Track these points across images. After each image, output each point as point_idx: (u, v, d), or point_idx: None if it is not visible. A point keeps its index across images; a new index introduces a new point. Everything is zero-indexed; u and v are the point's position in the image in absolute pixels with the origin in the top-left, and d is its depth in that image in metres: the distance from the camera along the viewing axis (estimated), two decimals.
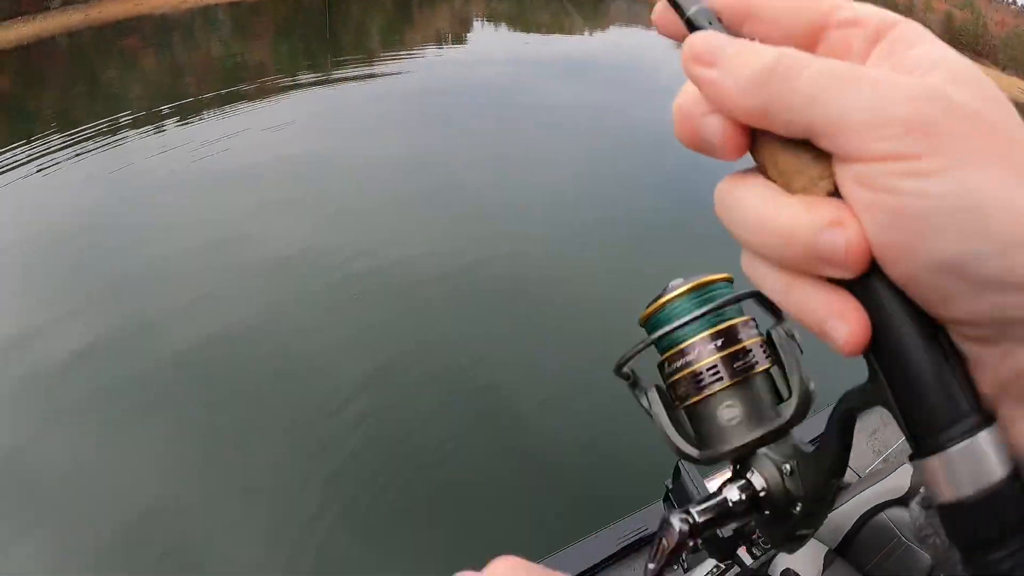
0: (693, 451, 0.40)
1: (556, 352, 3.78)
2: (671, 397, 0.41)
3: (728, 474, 0.41)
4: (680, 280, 0.41)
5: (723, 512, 0.38)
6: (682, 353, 0.39)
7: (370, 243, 5.09)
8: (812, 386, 0.38)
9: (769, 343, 0.39)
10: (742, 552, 1.49)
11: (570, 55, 14.96)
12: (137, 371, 3.60)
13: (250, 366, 3.71)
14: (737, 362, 0.38)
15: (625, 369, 0.43)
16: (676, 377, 0.40)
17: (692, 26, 0.27)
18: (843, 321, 0.23)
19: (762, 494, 0.37)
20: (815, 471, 0.35)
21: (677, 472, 1.35)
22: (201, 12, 19.94)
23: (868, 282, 0.23)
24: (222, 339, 3.90)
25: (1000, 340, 0.22)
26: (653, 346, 0.41)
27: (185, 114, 8.63)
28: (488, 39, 19.85)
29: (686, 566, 1.57)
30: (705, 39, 0.25)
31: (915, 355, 0.23)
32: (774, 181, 0.25)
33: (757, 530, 0.42)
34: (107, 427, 3.27)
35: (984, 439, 0.23)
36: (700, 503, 0.37)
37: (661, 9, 0.28)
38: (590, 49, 18.05)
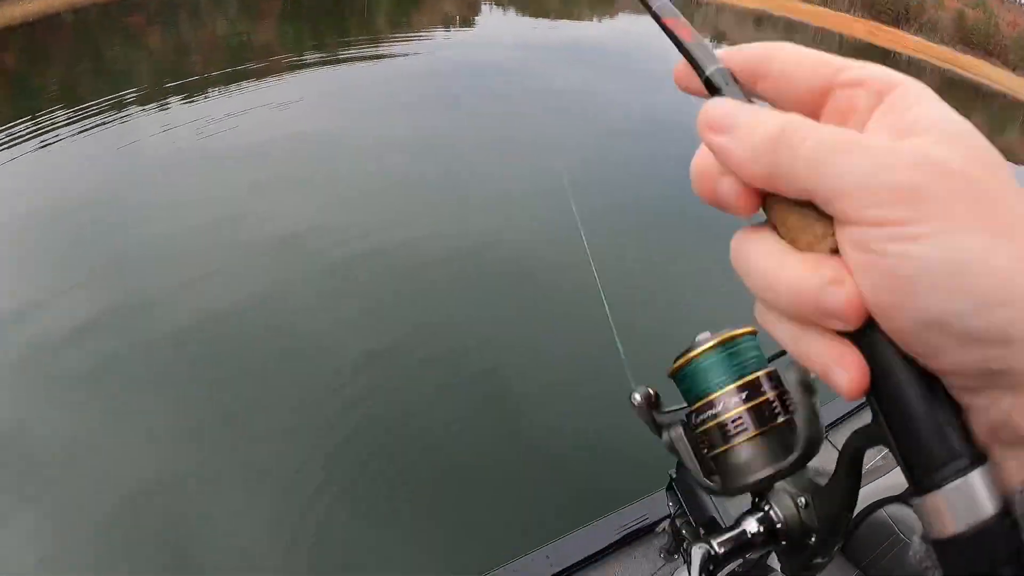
0: (715, 485, 0.42)
1: (561, 338, 3.77)
2: (700, 444, 0.43)
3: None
4: (707, 334, 0.43)
5: (743, 543, 0.40)
6: (711, 405, 0.42)
7: (376, 224, 5.08)
8: (823, 424, 0.40)
9: (787, 389, 0.41)
10: None
11: (579, 41, 14.88)
12: (138, 347, 3.60)
13: (253, 345, 3.71)
14: (761, 413, 0.40)
15: (658, 419, 0.46)
16: (705, 427, 0.42)
17: (710, 85, 0.29)
18: (844, 369, 0.26)
19: (779, 526, 0.40)
20: (828, 504, 0.37)
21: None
22: None
23: (867, 333, 0.25)
24: (225, 317, 3.89)
25: (987, 389, 0.24)
26: (683, 395, 0.44)
27: (191, 92, 8.59)
28: (496, 23, 19.69)
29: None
30: (717, 108, 0.27)
31: (911, 400, 0.25)
32: (782, 236, 0.27)
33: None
34: (108, 402, 3.27)
35: (976, 478, 0.24)
36: (720, 534, 0.40)
37: (681, 67, 0.30)
38: (599, 35, 17.94)
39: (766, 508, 0.41)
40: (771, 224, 0.28)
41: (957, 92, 27.09)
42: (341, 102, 8.38)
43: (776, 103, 0.29)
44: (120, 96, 8.11)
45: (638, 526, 1.93)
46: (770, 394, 0.41)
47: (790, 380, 0.41)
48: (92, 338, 3.66)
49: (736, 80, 0.29)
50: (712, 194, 0.29)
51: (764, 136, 0.26)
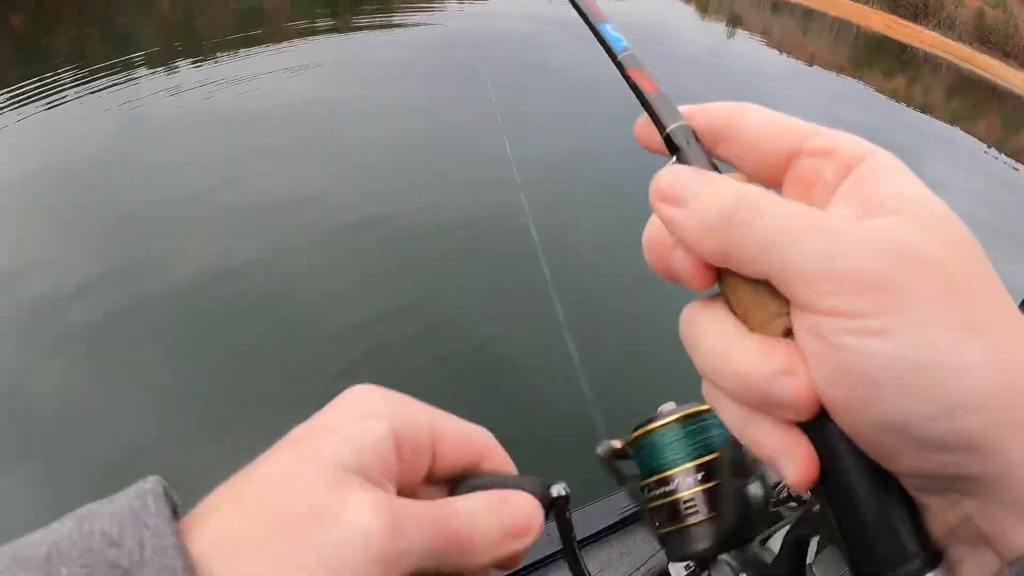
0: (664, 547, 0.42)
1: (566, 320, 3.76)
2: (652, 518, 0.43)
3: None
4: (671, 405, 0.42)
5: None
6: (665, 481, 0.41)
7: (384, 194, 5.08)
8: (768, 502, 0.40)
9: (738, 461, 0.40)
10: None
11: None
12: (140, 307, 3.62)
13: (253, 308, 3.72)
14: (715, 496, 0.39)
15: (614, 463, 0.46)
16: (656, 504, 0.41)
17: (671, 143, 0.28)
18: (792, 460, 0.24)
19: None
20: None
21: None
22: None
23: (820, 425, 0.24)
24: (227, 280, 3.91)
25: (947, 492, 0.23)
26: (638, 465, 0.43)
27: (200, 56, 8.51)
28: None
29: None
30: (670, 178, 0.26)
31: (863, 497, 0.24)
32: (734, 312, 0.26)
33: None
34: (106, 362, 3.29)
35: None
36: None
37: (643, 123, 0.29)
38: (615, 15, 17.65)
39: None
40: (724, 298, 0.26)
41: (973, 90, 26.82)
42: (353, 70, 8.33)
43: (739, 166, 0.28)
44: (129, 58, 8.04)
45: (637, 510, 1.93)
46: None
47: (720, 459, 0.40)
48: (95, 297, 3.67)
49: (698, 139, 0.28)
50: (664, 266, 0.27)
51: (718, 211, 0.24)
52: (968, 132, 15.88)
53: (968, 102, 24.02)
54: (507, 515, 0.27)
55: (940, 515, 0.24)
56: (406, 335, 3.69)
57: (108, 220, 4.42)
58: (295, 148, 5.75)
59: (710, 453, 0.41)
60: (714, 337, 0.26)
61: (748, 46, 19.90)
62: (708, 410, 0.42)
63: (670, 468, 0.41)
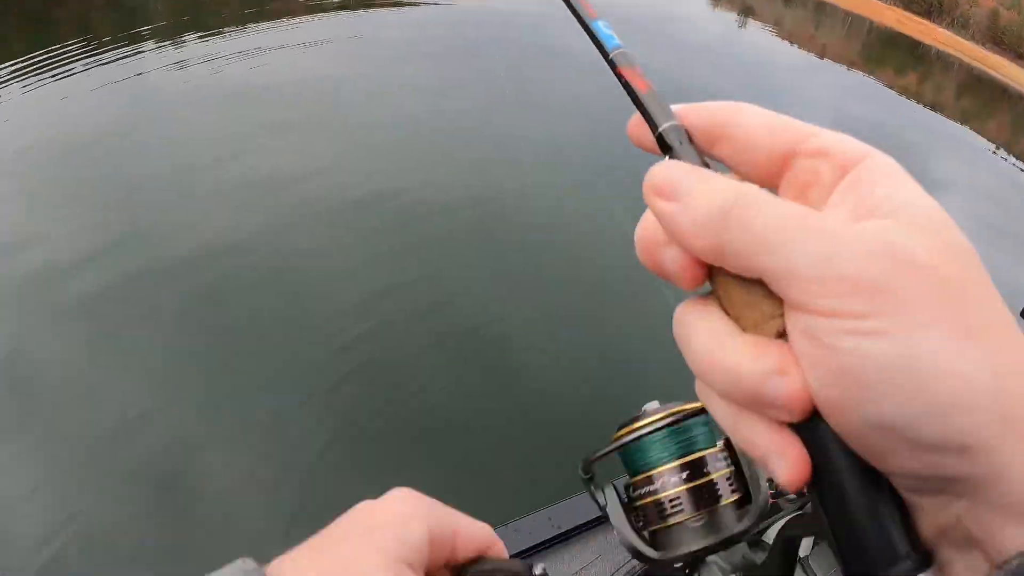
0: (648, 551, 0.42)
1: (571, 302, 3.77)
2: (636, 520, 0.42)
3: None
4: (655, 404, 0.42)
5: None
6: (649, 480, 0.41)
7: (390, 171, 5.06)
8: (766, 502, 0.39)
9: (737, 474, 0.40)
10: None
11: (609, 3, 14.54)
12: (143, 279, 3.62)
13: (255, 285, 3.72)
14: (701, 494, 0.39)
15: (591, 470, 0.45)
16: (642, 503, 0.41)
17: (663, 142, 0.27)
18: (783, 459, 0.24)
19: None
20: None
21: None
22: None
23: (812, 425, 0.23)
24: (229, 256, 3.90)
25: (938, 493, 0.23)
26: (624, 464, 0.43)
27: (208, 30, 8.44)
28: None
29: None
30: (666, 172, 0.26)
31: (854, 497, 0.24)
32: (727, 312, 0.25)
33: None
34: (105, 335, 3.28)
35: None
36: None
37: (636, 121, 0.28)
38: (625, 2, 17.51)
39: None
40: (716, 298, 0.26)
41: (984, 90, 26.62)
42: (361, 47, 8.29)
43: (733, 167, 0.28)
44: (137, 31, 7.98)
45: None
46: (715, 475, 0.40)
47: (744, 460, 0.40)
48: (99, 268, 3.66)
49: (692, 140, 0.27)
50: (656, 263, 0.27)
51: (714, 207, 0.24)
52: (977, 132, 15.78)
53: (979, 102, 23.84)
54: None
55: (930, 516, 0.24)
56: (407, 313, 3.69)
57: (113, 192, 4.42)
58: (302, 124, 5.73)
59: (694, 452, 0.41)
60: (706, 336, 0.26)
61: (759, 36, 19.75)
62: (694, 410, 0.42)
63: (655, 467, 0.41)
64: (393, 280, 3.90)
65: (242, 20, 9.02)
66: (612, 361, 3.50)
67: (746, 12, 24.39)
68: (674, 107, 0.28)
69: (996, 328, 0.22)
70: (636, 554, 0.43)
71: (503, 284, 4.03)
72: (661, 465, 0.41)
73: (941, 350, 0.21)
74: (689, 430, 0.41)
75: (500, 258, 4.26)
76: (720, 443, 0.42)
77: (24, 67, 6.45)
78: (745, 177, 0.27)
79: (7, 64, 6.41)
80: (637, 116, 0.28)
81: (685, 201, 0.25)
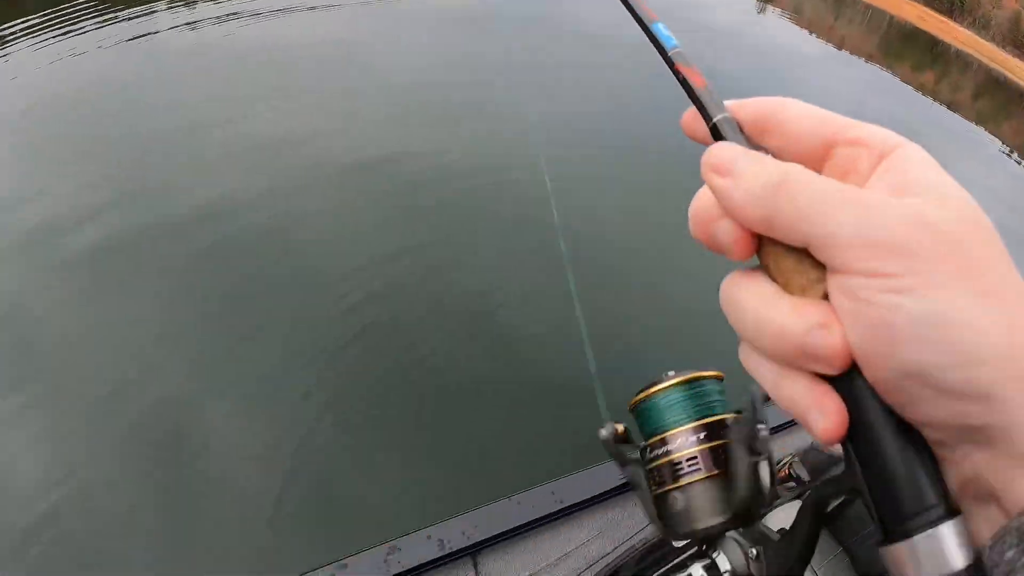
0: (664, 527, 0.42)
1: (580, 281, 3.74)
2: (650, 480, 0.43)
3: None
4: (673, 372, 0.44)
5: None
6: (664, 441, 0.42)
7: (400, 139, 5.02)
8: (795, 460, 0.43)
9: (751, 438, 0.40)
10: None
11: None
12: (146, 239, 3.61)
13: (259, 248, 3.71)
14: (716, 456, 0.40)
15: (620, 447, 0.46)
16: (656, 464, 0.42)
17: (716, 133, 0.30)
18: (822, 413, 0.26)
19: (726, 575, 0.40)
20: (781, 557, 0.37)
21: None
22: None
23: (849, 379, 0.26)
24: (234, 218, 3.88)
25: (960, 443, 0.25)
26: (639, 428, 0.44)
27: None
28: None
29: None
30: (722, 151, 0.29)
31: (888, 447, 0.26)
32: (775, 280, 0.28)
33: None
34: (109, 291, 3.28)
35: (947, 530, 0.25)
36: (667, 574, 0.41)
37: (690, 114, 0.31)
38: None
39: (714, 556, 0.41)
40: (764, 268, 0.29)
41: (1001, 92, 26.29)
42: (373, 12, 8.20)
43: (780, 156, 0.30)
44: None
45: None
46: (729, 440, 0.41)
47: (735, 436, 0.41)
48: (102, 226, 3.65)
49: (742, 131, 0.30)
50: (709, 235, 0.29)
51: (766, 182, 0.27)
52: (993, 133, 15.65)
53: (995, 104, 23.57)
54: None
55: (955, 469, 0.26)
56: (416, 277, 3.68)
57: (122, 151, 4.39)
58: (314, 87, 5.69)
59: (710, 416, 0.42)
60: (755, 300, 0.28)
61: (778, 23, 19.54)
62: (709, 377, 0.43)
63: (671, 429, 0.42)
64: (404, 243, 3.90)
65: None
66: (620, 339, 3.49)
67: None
68: (726, 103, 0.31)
69: (1011, 291, 0.24)
70: (658, 530, 0.44)
71: (511, 252, 4.01)
72: (678, 426, 0.42)
73: (962, 307, 0.23)
74: (707, 395, 0.43)
75: (510, 226, 4.24)
76: (734, 412, 0.43)
77: (35, 25, 6.41)
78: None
79: (19, 21, 6.36)
80: (692, 110, 0.31)
81: (739, 177, 0.27)
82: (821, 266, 0.26)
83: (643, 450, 0.44)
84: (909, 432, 0.26)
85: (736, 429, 0.41)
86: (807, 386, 0.27)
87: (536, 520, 1.59)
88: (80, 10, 6.98)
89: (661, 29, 0.33)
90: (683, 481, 0.41)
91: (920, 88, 18.39)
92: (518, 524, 1.56)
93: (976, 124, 16.22)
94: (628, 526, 1.70)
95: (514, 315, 3.62)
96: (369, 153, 4.76)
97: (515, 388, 3.18)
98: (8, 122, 4.58)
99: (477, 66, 6.91)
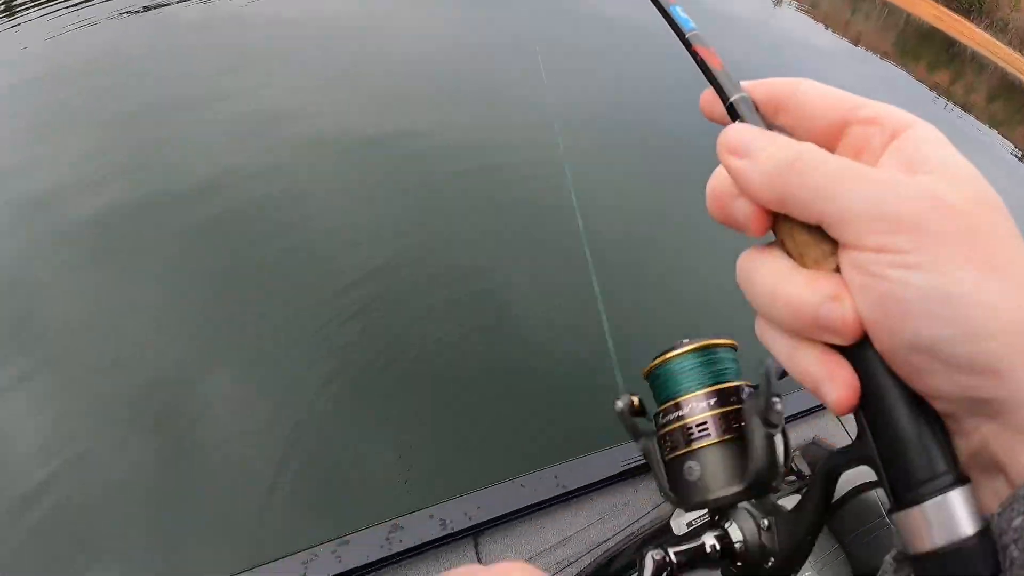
0: (675, 496, 0.43)
1: (586, 270, 3.73)
2: (663, 445, 0.44)
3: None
4: (687, 340, 0.44)
5: (698, 556, 0.41)
6: (678, 406, 0.42)
7: (415, 119, 4.97)
8: (795, 454, 0.44)
9: (767, 410, 0.41)
10: None
11: None
12: (147, 210, 3.59)
13: (266, 229, 3.68)
14: (728, 422, 0.41)
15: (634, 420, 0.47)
16: (669, 428, 0.43)
17: (733, 112, 0.31)
18: (835, 384, 0.27)
19: (738, 546, 0.40)
20: (792, 529, 0.38)
21: None
22: None
23: (861, 350, 0.27)
24: (240, 189, 3.87)
25: (968, 415, 0.26)
26: (654, 395, 0.45)
27: None
28: None
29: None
30: (738, 133, 0.29)
31: (899, 416, 0.26)
32: (790, 255, 0.29)
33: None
34: (111, 268, 3.27)
35: (957, 497, 0.25)
36: (678, 544, 0.41)
37: (708, 95, 0.32)
38: None
39: (725, 526, 0.41)
40: (780, 243, 0.30)
41: (1016, 97, 26.00)
42: None
43: (794, 134, 0.31)
44: None
45: (636, 464, 1.97)
46: (739, 405, 0.41)
47: (751, 408, 0.41)
48: (103, 195, 3.62)
49: (758, 110, 0.31)
50: (726, 213, 0.31)
51: (779, 162, 0.27)
52: (1006, 137, 15.52)
53: (1011, 108, 23.33)
54: None
55: (963, 440, 0.27)
56: (422, 251, 3.67)
57: (129, 123, 4.36)
58: (326, 62, 5.64)
59: (723, 382, 0.42)
60: (770, 274, 0.29)
61: (793, 16, 19.35)
62: (723, 345, 0.44)
63: (684, 394, 0.43)
64: (411, 219, 3.88)
65: None
66: (636, 317, 3.47)
67: None
68: (743, 83, 0.32)
69: (1021, 268, 0.24)
70: (667, 498, 0.44)
71: (520, 231, 3.99)
72: (691, 392, 0.42)
73: (970, 282, 0.24)
74: (721, 362, 0.43)
75: (514, 223, 4.21)
76: (743, 382, 0.44)
77: None
78: (804, 142, 0.30)
79: None
80: (710, 90, 0.32)
81: (754, 157, 0.28)
82: (834, 240, 0.27)
83: (656, 415, 0.45)
84: (920, 403, 0.26)
85: (751, 402, 0.42)
86: (820, 357, 0.28)
87: (538, 503, 1.60)
88: None
89: (678, 12, 0.34)
90: (695, 445, 0.41)
91: (934, 87, 18.23)
92: (520, 507, 1.56)
93: (989, 127, 16.09)
94: (628, 513, 1.71)
95: (525, 298, 3.61)
96: (379, 130, 4.72)
97: (523, 371, 3.17)
98: (17, 92, 4.56)
99: (492, 44, 6.84)
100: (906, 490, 0.26)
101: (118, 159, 4.00)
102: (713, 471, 0.41)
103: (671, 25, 0.34)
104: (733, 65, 0.32)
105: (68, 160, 3.90)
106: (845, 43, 18.69)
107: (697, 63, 0.32)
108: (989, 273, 0.24)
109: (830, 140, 0.30)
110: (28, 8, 6.00)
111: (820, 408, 2.07)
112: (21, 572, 2.19)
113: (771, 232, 0.30)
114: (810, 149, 0.27)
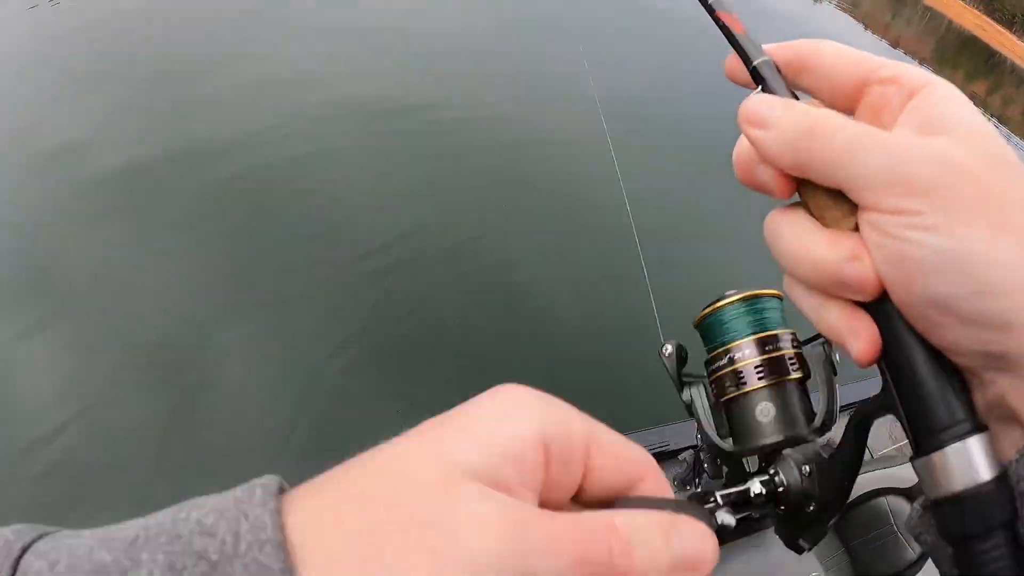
0: (726, 444, 0.45)
1: (604, 255, 3.68)
2: (712, 392, 0.46)
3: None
4: (734, 291, 0.46)
5: (744, 500, 0.42)
6: (728, 351, 0.44)
7: (448, 100, 4.89)
8: (838, 403, 0.42)
9: (799, 356, 0.43)
10: None
11: None
12: (165, 174, 3.54)
13: (285, 189, 3.63)
14: (776, 366, 0.42)
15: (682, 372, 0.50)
16: (720, 373, 0.45)
17: (756, 75, 0.32)
18: (858, 337, 0.28)
19: (781, 491, 0.41)
20: (831, 474, 0.39)
21: None
22: None
23: (882, 306, 0.28)
24: (269, 160, 3.81)
25: (984, 369, 0.27)
26: (703, 344, 0.47)
27: None
28: None
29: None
30: (755, 104, 0.30)
31: (919, 367, 0.28)
32: (813, 215, 0.30)
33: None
34: (140, 228, 3.23)
35: (975, 443, 0.26)
36: (724, 489, 0.41)
37: (732, 59, 0.33)
38: None
39: (772, 472, 0.42)
40: (803, 205, 0.30)
41: None
42: None
43: (816, 94, 0.32)
44: None
45: (659, 450, 1.92)
46: (788, 351, 0.43)
47: (813, 357, 0.43)
48: (118, 157, 3.57)
49: (780, 72, 0.32)
50: (751, 179, 0.31)
51: (796, 131, 0.28)
52: None
53: None
54: (678, 542, 0.21)
55: (981, 392, 0.27)
56: (445, 225, 3.62)
57: (143, 82, 4.31)
58: (353, 29, 5.58)
59: (769, 330, 0.44)
60: (795, 233, 0.30)
61: (833, 14, 19.13)
62: (769, 295, 0.45)
63: (734, 340, 0.44)
64: (438, 190, 3.83)
65: None
66: (647, 321, 3.43)
67: None
68: (765, 46, 0.32)
69: None
70: (715, 448, 0.46)
71: (543, 234, 3.94)
72: (740, 339, 0.44)
73: (984, 243, 0.24)
74: (768, 310, 0.45)
75: (540, 182, 4.16)
76: (789, 330, 0.45)
77: None
78: (827, 103, 0.31)
79: None
80: (734, 55, 0.33)
81: (772, 127, 0.29)
82: (852, 204, 0.28)
83: (707, 362, 0.46)
84: (938, 356, 0.27)
85: (816, 349, 0.44)
86: (844, 313, 0.29)
87: None
88: None
89: None
90: (746, 388, 0.43)
91: (972, 98, 17.82)
92: None
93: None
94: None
95: (553, 277, 3.56)
96: (418, 99, 4.66)
97: (547, 347, 3.14)
98: (25, 50, 4.53)
99: (525, 19, 6.76)
100: (927, 437, 0.27)
101: (146, 117, 3.96)
102: (788, 412, 0.42)
103: None
104: None
105: (96, 115, 3.86)
106: (884, 44, 18.46)
107: (720, 28, 0.33)
108: (1001, 231, 0.24)
109: (851, 100, 0.30)
110: None
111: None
112: (31, 513, 2.19)
113: (797, 194, 0.31)
114: (826, 116, 0.28)
